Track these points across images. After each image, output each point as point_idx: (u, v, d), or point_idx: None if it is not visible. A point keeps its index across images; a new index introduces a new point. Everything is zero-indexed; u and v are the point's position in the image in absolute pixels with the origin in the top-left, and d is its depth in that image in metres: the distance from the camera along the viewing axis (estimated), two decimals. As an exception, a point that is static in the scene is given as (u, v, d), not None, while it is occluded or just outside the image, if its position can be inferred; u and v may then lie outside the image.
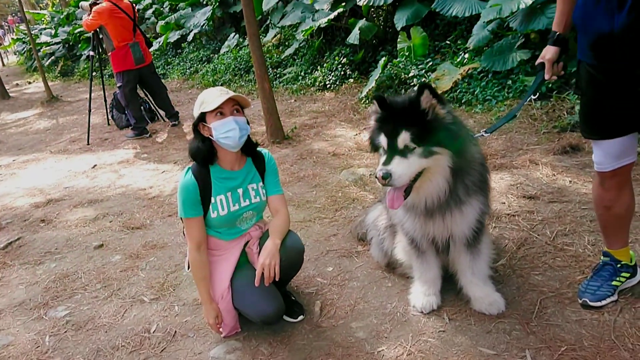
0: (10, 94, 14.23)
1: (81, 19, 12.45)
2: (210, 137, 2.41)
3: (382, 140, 2.06)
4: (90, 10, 6.73)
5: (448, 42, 6.86)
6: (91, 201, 4.81)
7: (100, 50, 7.62)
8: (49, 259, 3.72)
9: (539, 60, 2.27)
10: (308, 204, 3.98)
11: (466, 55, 6.34)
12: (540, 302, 2.40)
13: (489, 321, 2.35)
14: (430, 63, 6.65)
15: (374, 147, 2.20)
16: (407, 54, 6.93)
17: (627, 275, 2.31)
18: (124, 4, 6.72)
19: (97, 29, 7.10)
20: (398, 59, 6.92)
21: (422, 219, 2.30)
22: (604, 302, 2.29)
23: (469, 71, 6.07)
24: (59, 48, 18.06)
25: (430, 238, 2.39)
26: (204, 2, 12.52)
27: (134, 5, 6.98)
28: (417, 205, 2.23)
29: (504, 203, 3.39)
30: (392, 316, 2.54)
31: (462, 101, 5.82)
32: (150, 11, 15.33)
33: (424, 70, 6.57)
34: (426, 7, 6.92)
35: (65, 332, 2.81)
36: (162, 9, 14.96)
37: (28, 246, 3.99)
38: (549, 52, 2.22)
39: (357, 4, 7.31)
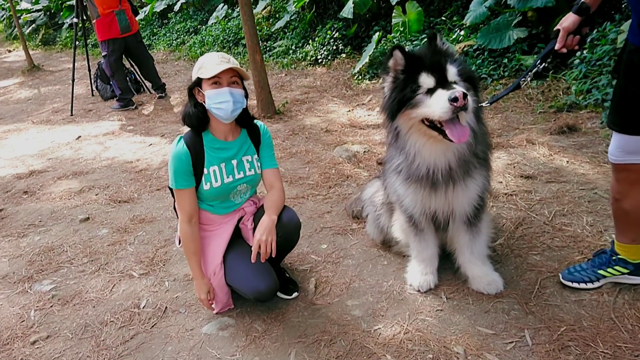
0: (-11, 63, 13.76)
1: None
2: (203, 103, 2.31)
3: (426, 79, 1.92)
4: (75, -25, 6.45)
5: (443, 18, 6.74)
6: (76, 173, 4.67)
7: (85, 17, 7.34)
8: (32, 231, 3.60)
9: (556, 27, 2.09)
10: (301, 180, 3.90)
11: (462, 32, 6.24)
12: (539, 282, 2.38)
13: (487, 301, 2.32)
14: (425, 39, 6.53)
15: (398, 106, 1.99)
16: (401, 29, 6.80)
17: (624, 270, 2.22)
18: (111, -31, 6.44)
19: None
20: (392, 35, 6.79)
21: (425, 193, 2.22)
22: (576, 285, 2.27)
23: (465, 48, 5.97)
24: (40, 16, 17.46)
25: (431, 214, 2.33)
26: (193, -28, 12.15)
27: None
28: (439, 166, 2.11)
29: (502, 182, 3.35)
30: (388, 294, 2.50)
31: (457, 79, 5.73)
32: (135, -21, 14.83)
33: (418, 46, 6.45)
34: (422, -18, 6.78)
35: (52, 306, 2.73)
36: (148, -24, 14.50)
37: (11, 218, 3.85)
38: (567, 20, 2.03)
39: (352, -24, 7.10)
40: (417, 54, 2.02)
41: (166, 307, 2.62)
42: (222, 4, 11.30)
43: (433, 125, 1.98)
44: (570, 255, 2.53)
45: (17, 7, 18.60)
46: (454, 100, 1.82)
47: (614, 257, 2.22)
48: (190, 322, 2.49)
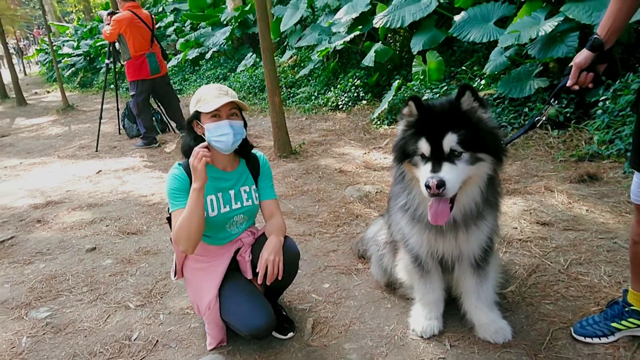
0: (28, 102, 14.43)
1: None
2: (203, 135, 2.30)
3: (423, 145, 1.83)
4: (110, 20, 6.77)
5: (464, 67, 6.77)
6: (90, 205, 4.71)
7: (116, 60, 7.65)
8: (39, 259, 3.60)
9: (570, 64, 2.01)
10: (309, 218, 3.83)
11: (482, 82, 6.24)
12: (551, 333, 2.21)
13: (494, 350, 2.16)
14: (445, 87, 6.56)
15: (404, 156, 1.95)
16: (421, 77, 6.85)
17: (639, 322, 2.05)
18: (144, 14, 6.76)
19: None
20: (412, 82, 6.85)
21: (432, 235, 2.12)
22: (589, 340, 2.10)
23: (485, 97, 5.95)
24: (79, 60, 18.38)
25: (438, 256, 2.22)
26: (224, 22, 12.68)
27: (153, 16, 7.02)
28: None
29: (516, 228, 3.21)
30: (389, 339, 2.35)
31: (476, 127, 5.68)
32: (171, 29, 15.59)
33: (438, 94, 6.46)
34: (443, 33, 6.88)
35: (44, 334, 2.66)
36: (183, 27, 15.20)
37: (20, 245, 3.87)
38: (580, 56, 1.94)
39: (374, 26, 7.27)
40: (431, 110, 1.89)
41: (157, 341, 2.53)
42: (250, 53, 11.68)
43: None
44: (586, 306, 2.36)
45: (59, 51, 19.71)
46: (427, 186, 1.77)
47: (626, 309, 2.05)
48: (179, 357, 2.38)
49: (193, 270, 2.46)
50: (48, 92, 17.47)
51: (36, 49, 27.16)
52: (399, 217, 2.23)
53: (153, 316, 2.75)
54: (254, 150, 2.54)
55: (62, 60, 18.92)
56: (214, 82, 11.95)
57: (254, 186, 2.50)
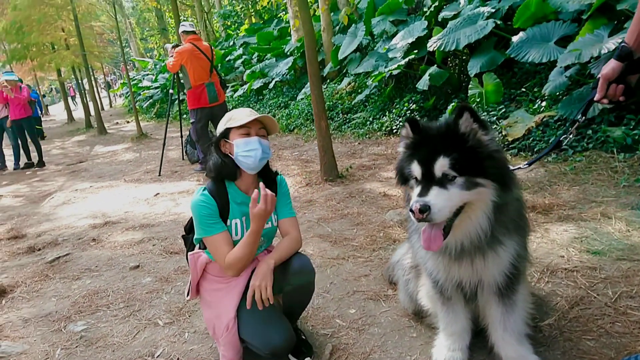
0: (109, 131, 15.57)
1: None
2: (230, 154, 2.32)
3: (415, 168, 1.74)
4: (173, 52, 7.19)
5: (524, 89, 6.48)
6: (143, 225, 4.92)
7: (179, 90, 8.09)
8: (86, 275, 3.79)
9: (598, 76, 1.86)
10: (345, 242, 3.75)
11: (543, 104, 5.94)
12: (589, 372, 1.97)
13: (521, 388, 1.96)
14: (503, 110, 6.29)
15: (403, 179, 1.89)
16: (477, 100, 6.63)
17: None
18: (204, 45, 7.12)
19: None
20: (468, 106, 6.62)
21: (446, 259, 1.99)
22: None
23: (545, 119, 5.64)
24: (157, 92, 19.66)
25: (456, 283, 2.07)
26: (288, 53, 13.10)
27: (212, 47, 7.37)
28: (450, 246, 1.92)
29: (563, 256, 2.95)
30: (408, 370, 2.21)
31: (535, 149, 5.38)
32: (239, 61, 16.31)
33: (495, 117, 6.22)
34: (502, 55, 6.64)
35: (77, 347, 2.77)
36: (251, 59, 15.85)
37: (73, 262, 4.10)
38: (607, 67, 1.79)
39: (429, 49, 7.17)
40: (427, 132, 1.79)
41: (178, 359, 2.54)
42: (311, 81, 11.91)
43: None
44: (632, 344, 2.09)
45: (140, 84, 21.21)
46: (410, 210, 1.68)
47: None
48: (195, 377, 2.38)
49: (210, 291, 2.46)
50: (128, 122, 18.77)
51: (121, 83, 29.45)
52: (415, 238, 2.12)
53: (179, 334, 2.78)
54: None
55: (141, 93, 20.33)
56: (276, 110, 12.32)
57: None
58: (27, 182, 8.56)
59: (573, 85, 5.64)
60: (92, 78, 16.09)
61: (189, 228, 2.60)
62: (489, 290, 2.04)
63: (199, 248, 2.51)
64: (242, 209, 2.37)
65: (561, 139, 1.98)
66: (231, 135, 2.32)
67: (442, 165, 1.69)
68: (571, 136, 1.99)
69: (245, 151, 2.27)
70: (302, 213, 4.60)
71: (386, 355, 2.35)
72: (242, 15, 21.80)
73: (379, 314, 2.72)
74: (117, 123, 18.56)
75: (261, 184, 2.18)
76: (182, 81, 7.83)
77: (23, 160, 10.23)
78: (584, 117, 1.95)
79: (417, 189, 1.73)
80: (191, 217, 2.43)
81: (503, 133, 5.78)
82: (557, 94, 5.80)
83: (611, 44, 4.72)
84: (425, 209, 1.65)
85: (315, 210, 4.63)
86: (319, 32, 12.09)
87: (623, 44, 1.74)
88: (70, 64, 17.28)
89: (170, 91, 8.05)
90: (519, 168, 2.04)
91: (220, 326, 2.36)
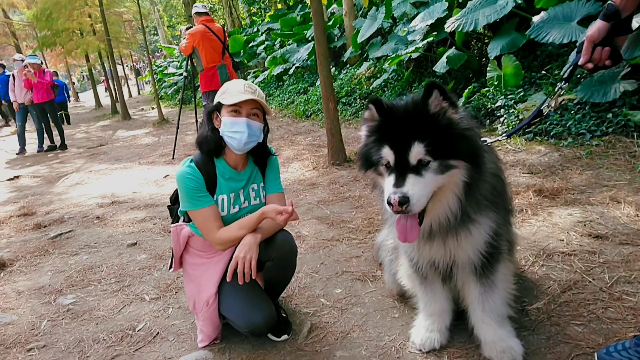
0: (133, 117, 15.81)
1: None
2: (219, 129, 2.26)
3: (388, 154, 1.61)
4: (186, 34, 7.17)
5: (544, 72, 6.22)
6: (148, 205, 4.95)
7: (193, 73, 8.08)
8: (85, 251, 3.82)
9: (583, 39, 1.70)
10: (342, 224, 3.66)
11: (564, 86, 5.67)
12: (571, 358, 1.85)
13: (497, 372, 1.85)
14: (522, 93, 6.06)
15: (368, 164, 1.73)
16: (495, 83, 6.40)
17: None
18: (216, 27, 7.07)
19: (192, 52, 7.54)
20: (486, 89, 6.42)
21: (416, 241, 1.88)
22: None
23: (563, 102, 5.40)
24: (181, 78, 19.81)
25: (430, 262, 1.97)
26: (309, 39, 12.96)
27: (225, 29, 7.31)
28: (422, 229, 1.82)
29: (562, 240, 2.80)
30: (385, 350, 2.13)
31: (551, 134, 5.15)
32: (262, 47, 16.26)
33: (512, 101, 5.99)
34: (524, 37, 6.38)
35: (63, 319, 2.79)
36: (273, 45, 15.79)
37: (74, 239, 4.15)
38: (592, 28, 1.64)
39: (446, 30, 6.94)
40: (395, 114, 1.65)
41: (158, 333, 2.53)
42: (330, 67, 11.78)
43: None
44: (623, 331, 1.95)
45: (165, 72, 21.43)
46: (388, 203, 1.56)
47: (665, 333, 1.65)
48: (172, 351, 2.35)
49: (193, 265, 2.43)
50: (152, 108, 19.00)
51: (148, 71, 29.86)
52: (391, 221, 2.02)
53: (163, 309, 2.77)
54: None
55: (166, 80, 20.55)
56: (295, 96, 12.24)
57: (262, 183, 2.43)
58: (47, 164, 8.75)
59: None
60: (117, 64, 16.34)
61: (175, 199, 2.56)
62: (465, 269, 1.93)
63: (183, 220, 2.46)
64: (230, 184, 2.31)
65: (542, 107, 1.84)
66: (222, 110, 2.24)
67: (417, 152, 1.57)
68: (553, 104, 1.84)
69: (231, 132, 2.19)
70: (304, 195, 4.53)
71: (364, 334, 2.28)
72: (267, 2, 21.71)
73: (365, 294, 2.64)
74: (143, 109, 18.83)
75: (290, 205, 2.12)
76: (195, 64, 7.83)
77: (47, 143, 10.47)
78: (567, 83, 1.79)
79: (391, 178, 1.61)
80: (177, 188, 2.38)
81: (520, 117, 5.57)
82: (578, 76, 5.54)
83: (635, 22, 4.44)
84: (404, 201, 1.54)
85: (317, 193, 4.55)
86: (340, 17, 11.92)
87: (610, 2, 1.59)
88: (96, 49, 17.54)
89: (184, 74, 8.05)
90: (497, 140, 1.91)
91: (200, 301, 2.33)
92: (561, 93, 1.82)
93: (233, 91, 2.19)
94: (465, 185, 1.67)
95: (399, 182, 1.57)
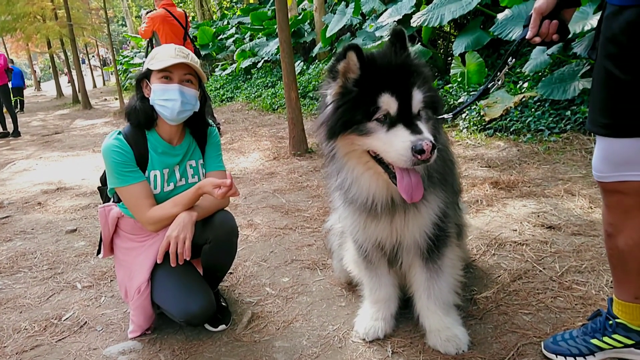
0: (94, 106, 15.26)
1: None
2: (148, 97, 2.07)
3: (389, 103, 1.44)
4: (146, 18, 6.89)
5: (507, 69, 6.22)
6: (95, 192, 4.68)
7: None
8: (20, 237, 3.56)
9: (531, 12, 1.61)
10: (297, 213, 3.52)
11: (525, 84, 5.70)
12: (518, 347, 1.76)
13: (442, 362, 1.75)
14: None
15: (344, 125, 1.51)
16: (459, 80, 6.39)
17: (627, 341, 1.56)
18: (178, 12, 6.83)
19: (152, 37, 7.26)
20: (449, 85, 6.40)
21: (364, 218, 1.75)
22: (562, 359, 1.63)
23: (524, 99, 5.40)
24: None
25: (376, 243, 1.84)
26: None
27: (187, 14, 7.08)
28: (367, 201, 1.69)
29: (515, 230, 2.73)
30: (327, 340, 2.00)
31: (511, 130, 5.14)
32: (231, 40, 15.97)
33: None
34: (488, 34, 6.38)
35: (-17, 307, 2.55)
36: (243, 39, 15.51)
37: (11, 224, 3.88)
38: (540, 0, 1.54)
39: (412, 25, 6.89)
40: (379, 61, 1.52)
41: (86, 322, 2.33)
42: (299, 61, 11.63)
43: (381, 160, 1.52)
44: (572, 320, 1.88)
45: (131, 62, 20.85)
46: (419, 152, 1.38)
47: (610, 322, 1.57)
48: (97, 342, 2.16)
49: (123, 250, 2.23)
50: (116, 99, 18.43)
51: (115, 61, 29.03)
52: (335, 195, 1.89)
53: (95, 298, 2.57)
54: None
55: (131, 70, 19.98)
56: (262, 90, 12.03)
57: (201, 160, 2.24)
58: (-4, 150, 8.31)
59: (555, 64, 5.41)
60: (82, 53, 15.75)
61: (105, 179, 2.35)
62: (410, 252, 1.82)
63: (113, 201, 2.26)
64: (163, 159, 2.12)
65: (489, 85, 1.74)
66: (152, 76, 2.05)
67: (418, 100, 1.47)
68: (499, 82, 1.74)
69: (163, 100, 2.00)
70: (261, 184, 4.37)
71: (308, 324, 2.14)
72: (238, -5, 21.36)
73: (312, 282, 2.51)
74: (106, 99, 18.25)
75: (229, 178, 1.92)
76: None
77: (-2, 129, 9.96)
78: (513, 60, 1.70)
79: (399, 129, 1.43)
80: None
81: (481, 113, 5.56)
82: (539, 73, 5.57)
83: (595, 20, 4.46)
84: (435, 147, 1.39)
85: (275, 182, 4.40)
86: (311, 12, 11.79)
87: None
88: (57, 35, 16.86)
89: (145, 59, 7.75)
90: (442, 118, 1.77)
91: (131, 288, 2.13)
92: (507, 69, 1.72)
93: (163, 56, 1.99)
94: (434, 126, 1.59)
95: (417, 129, 1.42)
